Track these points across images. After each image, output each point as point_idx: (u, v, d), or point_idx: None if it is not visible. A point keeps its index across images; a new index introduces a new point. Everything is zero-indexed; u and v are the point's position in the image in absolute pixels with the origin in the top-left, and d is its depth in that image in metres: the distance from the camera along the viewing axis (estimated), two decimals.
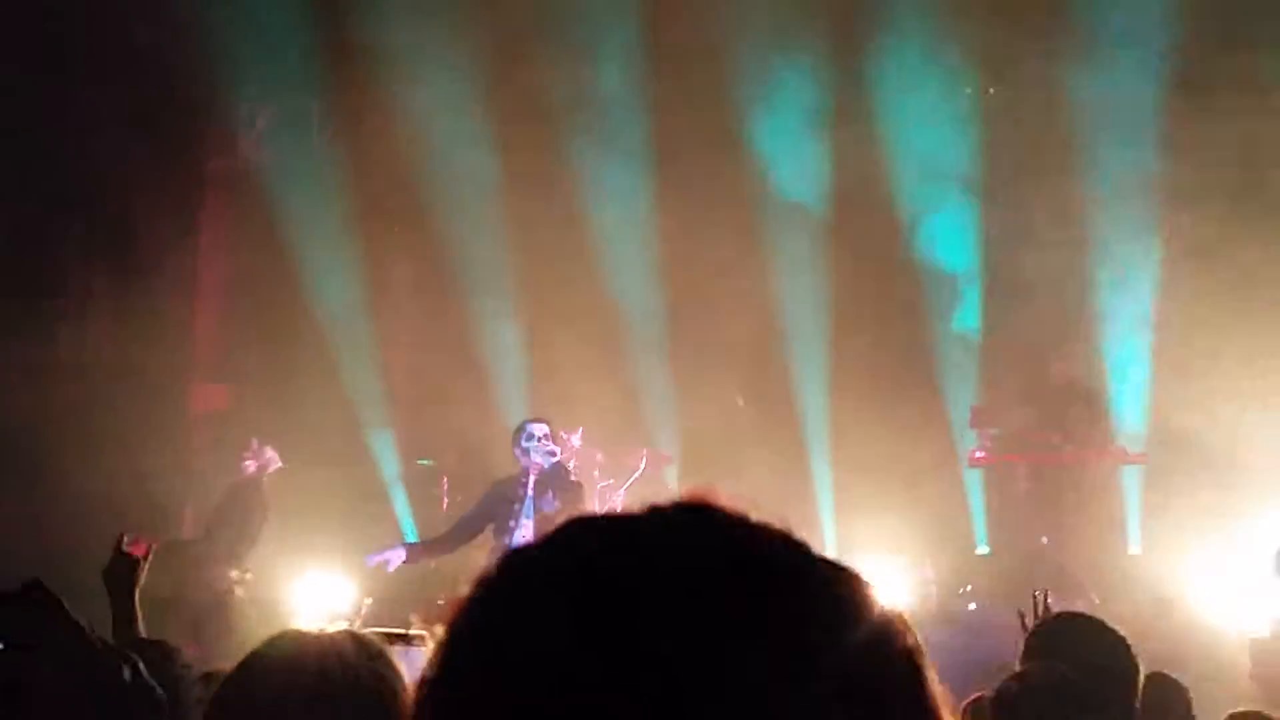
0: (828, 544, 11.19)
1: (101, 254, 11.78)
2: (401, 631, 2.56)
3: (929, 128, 11.59)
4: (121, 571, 4.00)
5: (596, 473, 11.28)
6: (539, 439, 8.12)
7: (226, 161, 12.56)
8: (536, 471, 8.06)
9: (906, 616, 0.91)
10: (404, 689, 2.11)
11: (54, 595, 1.56)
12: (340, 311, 12.07)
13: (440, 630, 0.90)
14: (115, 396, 10.84)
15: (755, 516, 0.92)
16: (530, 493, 8.02)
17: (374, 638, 2.24)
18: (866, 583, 0.91)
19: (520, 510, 8.00)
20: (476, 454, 11.95)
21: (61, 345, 11.50)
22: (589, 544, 0.90)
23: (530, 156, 11.98)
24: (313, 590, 10.33)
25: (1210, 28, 10.86)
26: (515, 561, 0.92)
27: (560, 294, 11.82)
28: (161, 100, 11.00)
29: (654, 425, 11.88)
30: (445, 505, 12.00)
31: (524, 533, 7.91)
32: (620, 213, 11.96)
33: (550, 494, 7.96)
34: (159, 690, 1.59)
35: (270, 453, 9.98)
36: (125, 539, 4.10)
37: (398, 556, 8.62)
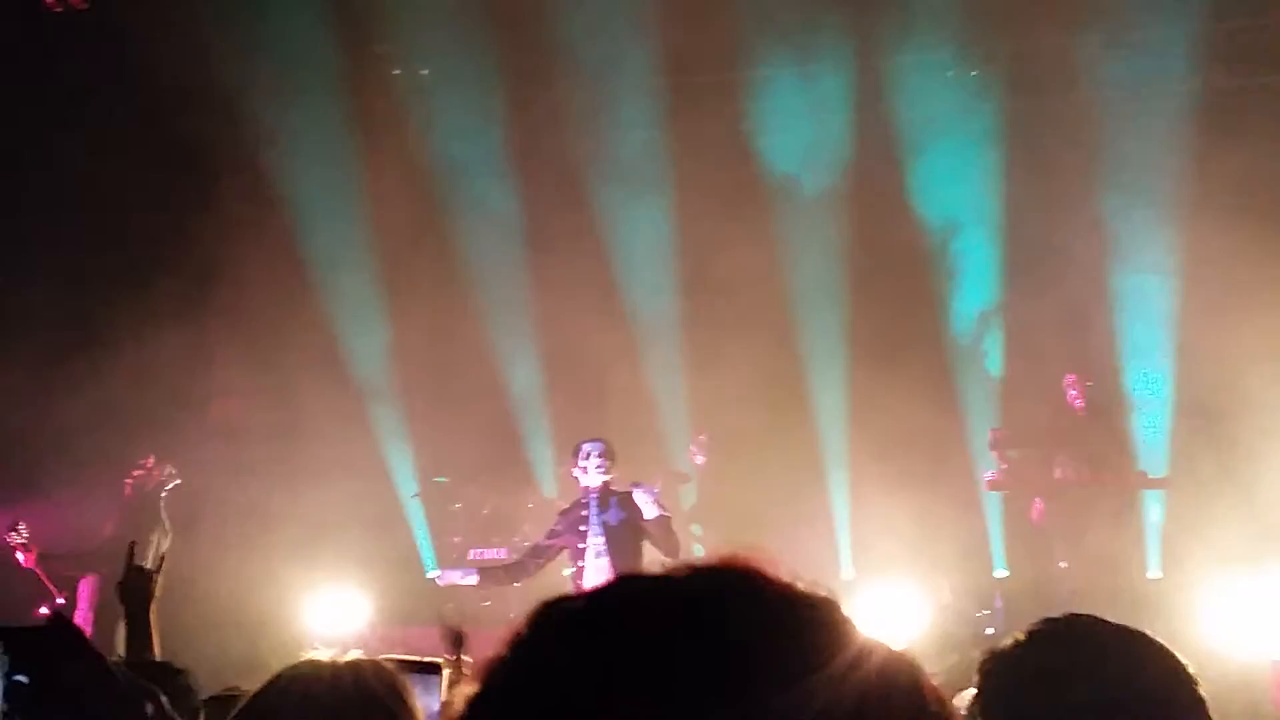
0: (844, 565, 11.15)
1: (115, 273, 11.83)
2: (420, 659, 2.55)
3: (951, 141, 11.58)
4: (137, 585, 3.99)
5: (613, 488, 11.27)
6: (593, 457, 8.24)
7: (246, 174, 12.61)
8: (594, 490, 8.18)
9: (951, 700, 0.91)
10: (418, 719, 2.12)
11: (77, 629, 1.55)
12: (357, 326, 12.11)
13: (474, 679, 0.91)
14: (130, 406, 10.87)
15: (797, 582, 0.92)
16: (595, 509, 8.13)
17: (390, 666, 2.23)
18: (912, 663, 0.91)
19: (587, 531, 8.11)
20: (493, 472, 11.95)
21: (76, 360, 11.53)
22: (626, 599, 0.91)
23: (547, 163, 12.03)
24: (326, 606, 10.34)
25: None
26: (549, 613, 0.92)
27: (578, 309, 11.81)
28: (178, 113, 11.06)
29: (671, 444, 11.88)
30: (461, 523, 12.01)
31: (597, 549, 8.05)
32: (634, 219, 12.00)
33: (613, 506, 8.07)
34: None
35: (169, 469, 9.99)
36: (137, 550, 4.08)
37: (469, 579, 8.69)
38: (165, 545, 9.26)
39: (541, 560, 8.74)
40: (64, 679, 1.53)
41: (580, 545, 8.16)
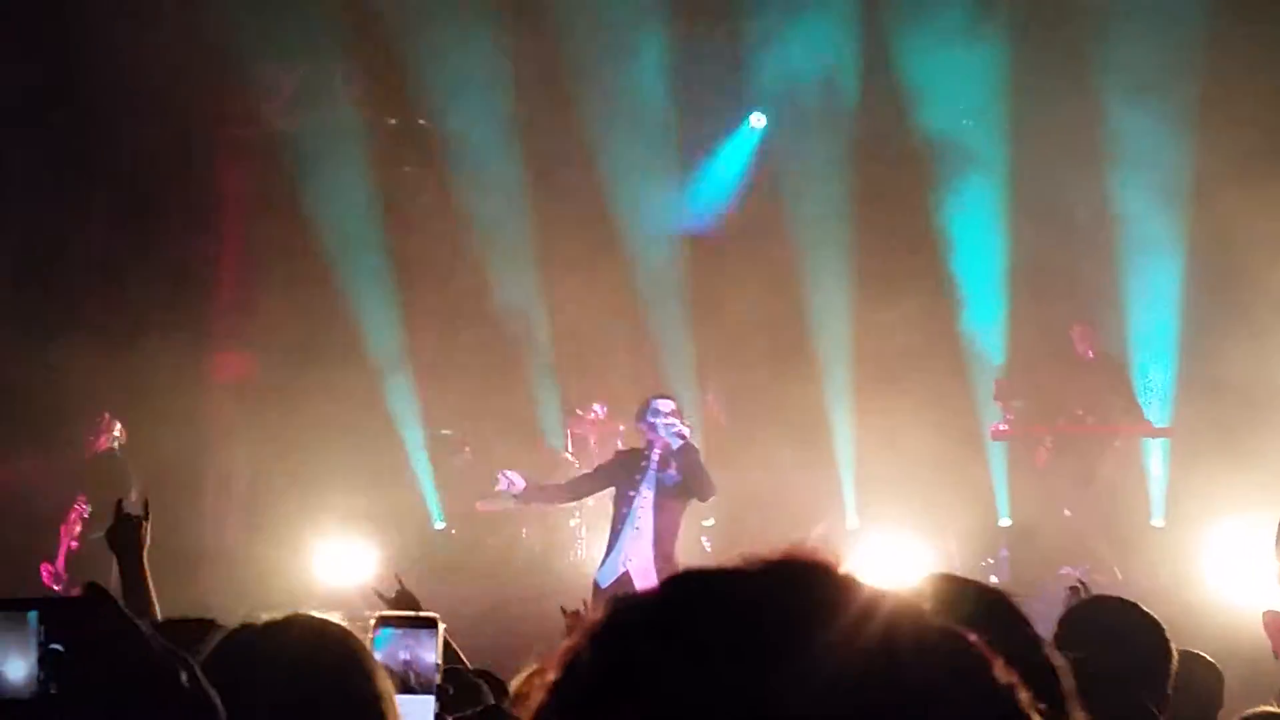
0: (849, 517, 11.20)
1: (124, 221, 11.82)
2: (416, 615, 2.56)
3: (954, 97, 11.50)
4: (125, 534, 4.02)
5: (619, 443, 11.30)
6: (665, 414, 8.14)
7: (250, 128, 12.57)
8: (662, 447, 8.09)
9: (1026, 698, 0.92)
10: (375, 687, 2.08)
11: (111, 598, 1.56)
12: (364, 280, 12.11)
13: (549, 672, 0.92)
14: (138, 363, 10.90)
15: (859, 576, 0.93)
16: (654, 465, 8.08)
17: (348, 632, 2.21)
18: (979, 651, 0.92)
19: (641, 480, 8.08)
20: (498, 424, 11.99)
21: (84, 312, 11.55)
22: (695, 595, 0.92)
23: (551, 123, 11.97)
24: (334, 555, 10.43)
25: None
26: (621, 609, 0.93)
27: (583, 265, 11.80)
28: (183, 66, 10.99)
29: (675, 396, 11.88)
30: (467, 475, 12.06)
31: (644, 502, 8.02)
32: (641, 185, 11.94)
33: (673, 468, 8.00)
34: (215, 695, 1.60)
35: (118, 425, 10.05)
36: (127, 501, 4.12)
37: (517, 485, 8.66)
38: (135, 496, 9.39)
39: (585, 491, 8.78)
40: (99, 648, 1.55)
41: (630, 493, 8.14)
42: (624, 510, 8.14)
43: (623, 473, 8.31)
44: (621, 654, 0.90)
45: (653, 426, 8.14)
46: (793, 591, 0.90)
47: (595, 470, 8.84)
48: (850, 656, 0.86)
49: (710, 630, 0.88)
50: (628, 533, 8.07)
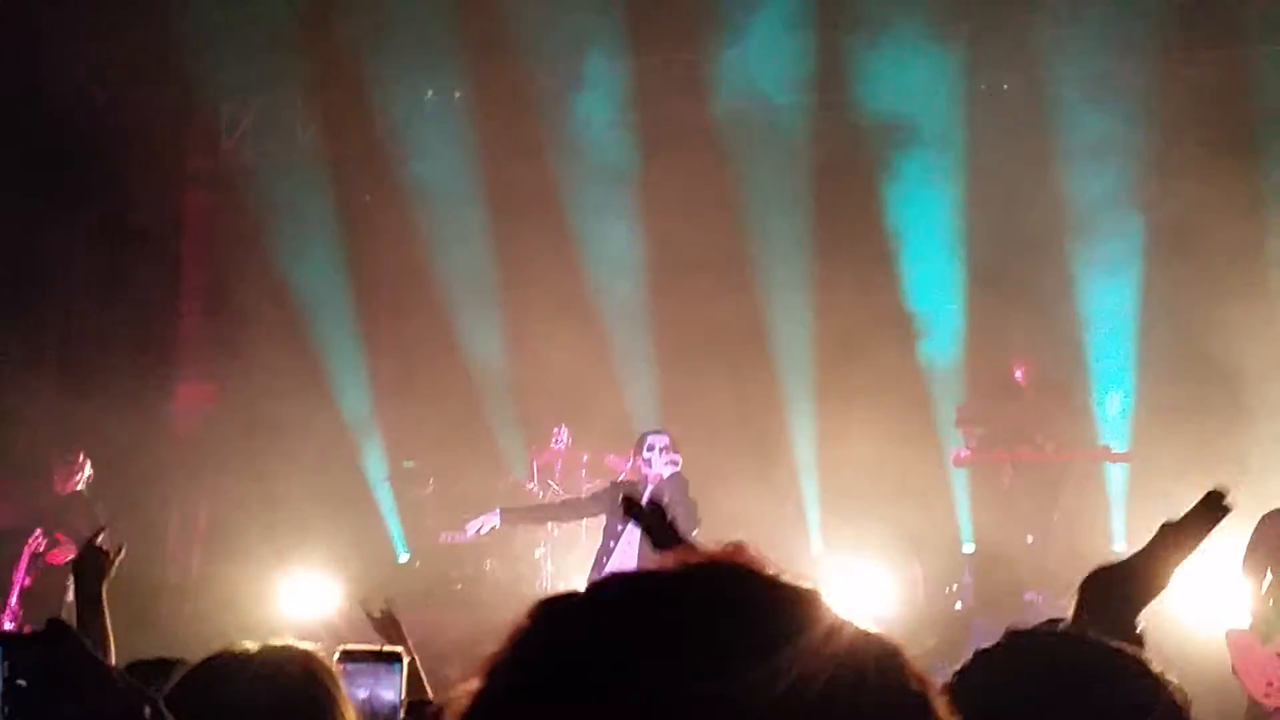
0: (814, 542, 11.22)
1: (85, 251, 11.74)
2: (379, 649, 2.55)
3: (913, 112, 11.58)
4: (91, 564, 4.03)
5: (582, 472, 11.30)
6: (659, 450, 8.29)
7: (208, 160, 12.54)
8: (656, 481, 8.21)
9: (933, 681, 0.94)
10: (340, 711, 2.10)
11: (74, 633, 1.58)
12: (325, 311, 12.07)
13: (477, 674, 0.94)
14: (99, 393, 10.81)
15: (783, 574, 0.96)
16: (645, 501, 8.11)
17: (320, 656, 2.22)
18: (891, 643, 0.94)
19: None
20: (462, 455, 11.96)
21: (44, 342, 11.46)
22: (624, 592, 0.95)
23: (513, 153, 11.99)
24: (298, 589, 10.35)
25: None
26: (551, 608, 0.95)
27: (545, 293, 11.82)
28: (143, 99, 10.97)
29: (637, 424, 11.88)
30: (431, 507, 12.01)
31: (630, 538, 8.06)
32: (603, 211, 11.97)
33: (675, 504, 8.07)
34: None
35: (88, 465, 10.01)
36: (102, 535, 4.13)
37: (490, 521, 8.77)
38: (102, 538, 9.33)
39: (573, 515, 8.80)
40: (63, 683, 1.56)
41: (619, 528, 8.20)
42: (610, 544, 8.20)
43: (615, 509, 8.36)
44: (540, 653, 0.91)
45: (648, 462, 8.30)
46: (712, 591, 0.92)
47: (590, 497, 8.89)
48: (768, 653, 0.87)
49: (628, 629, 0.89)
50: (614, 564, 8.09)
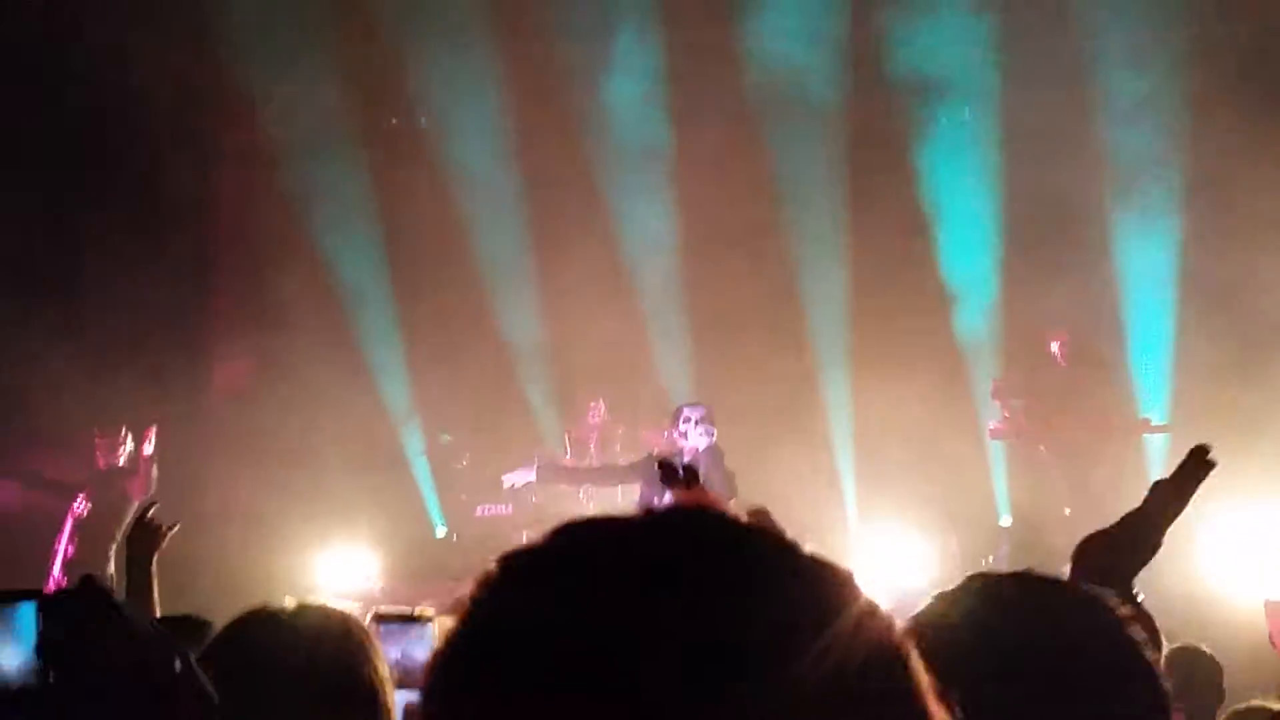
0: (850, 516, 11.21)
1: (118, 232, 11.82)
2: (411, 612, 2.57)
3: (948, 77, 11.48)
4: (142, 539, 4.13)
5: (618, 446, 11.31)
6: (695, 421, 8.33)
7: (243, 135, 12.58)
8: (692, 454, 8.25)
9: (895, 618, 0.91)
10: (378, 674, 2.12)
11: (105, 589, 1.60)
12: (361, 287, 12.12)
13: (449, 623, 0.93)
14: (135, 371, 10.91)
15: (748, 521, 0.92)
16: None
17: (356, 621, 2.24)
18: (852, 583, 0.91)
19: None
20: (498, 429, 12.00)
21: (81, 320, 11.56)
22: (583, 544, 0.92)
23: (547, 129, 11.98)
24: (336, 562, 10.44)
25: None
26: (513, 558, 0.93)
27: (580, 268, 11.82)
28: (176, 75, 11.03)
29: (673, 397, 11.88)
30: (468, 480, 12.06)
31: None
32: (637, 186, 11.95)
33: (711, 474, 8.13)
34: (208, 684, 1.63)
35: (130, 439, 10.10)
36: (153, 508, 4.24)
37: (526, 476, 8.86)
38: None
39: (609, 481, 8.81)
40: (95, 638, 1.59)
41: (655, 499, 8.21)
42: None
43: (653, 480, 8.39)
44: (500, 601, 0.90)
45: (684, 434, 8.33)
46: (674, 541, 0.90)
47: (628, 465, 8.89)
48: (728, 602, 0.85)
49: (587, 577, 0.87)
50: None
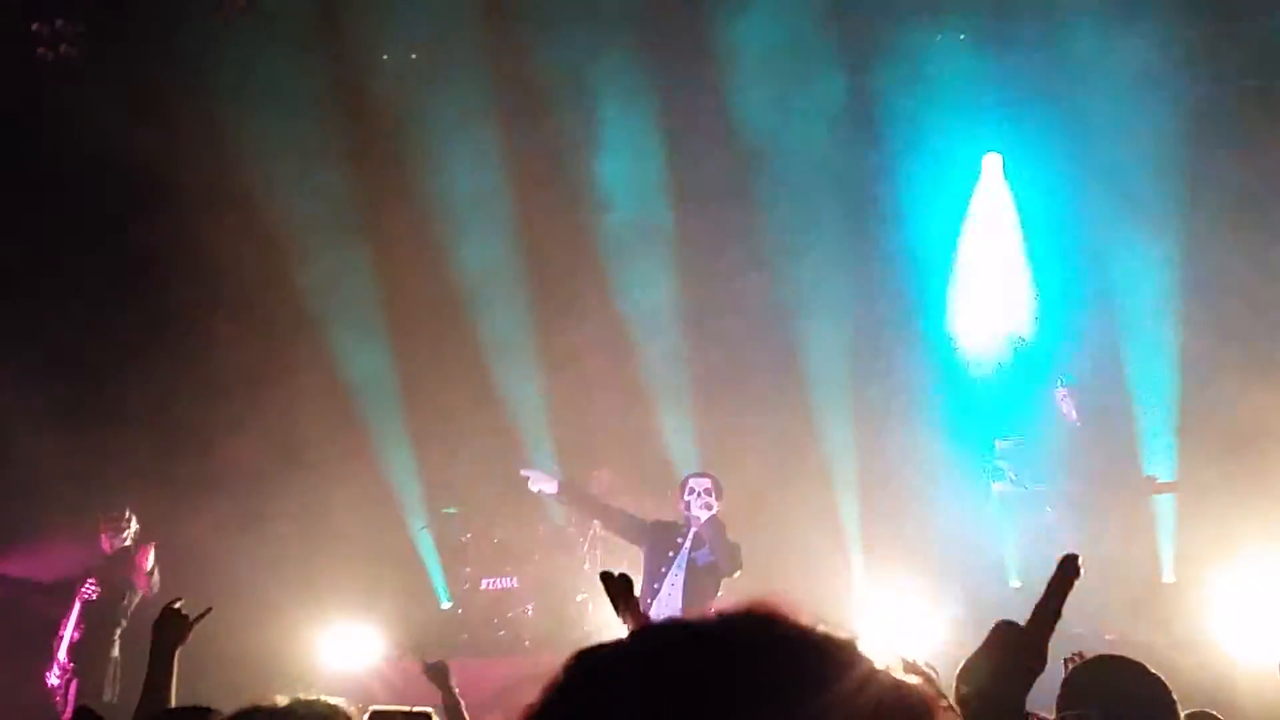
0: (856, 582, 11.13)
1: (108, 284, 11.82)
2: (409, 710, 2.55)
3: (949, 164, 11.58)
4: (170, 629, 4.14)
5: None
6: (700, 493, 8.30)
7: (234, 184, 12.60)
8: (695, 525, 8.22)
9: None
10: None
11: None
12: (363, 357, 12.11)
13: None
14: (131, 451, 10.90)
15: (819, 624, 0.96)
16: (688, 545, 8.17)
17: (348, 712, 2.23)
18: (927, 703, 0.94)
19: (674, 559, 8.15)
20: (502, 501, 11.95)
21: (79, 402, 11.54)
22: (659, 646, 0.95)
23: (548, 206, 12.03)
24: (339, 639, 10.36)
25: None
26: (586, 661, 0.96)
27: (584, 340, 11.84)
28: (169, 127, 11.09)
29: (678, 465, 11.85)
30: (471, 553, 12.00)
31: (674, 581, 8.09)
32: (638, 252, 11.99)
33: (706, 548, 8.11)
34: None
35: (134, 521, 10.06)
36: (180, 601, 4.27)
37: (549, 487, 8.79)
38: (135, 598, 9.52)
39: (618, 526, 8.70)
40: None
41: (662, 569, 8.20)
42: (654, 585, 8.19)
43: (659, 543, 8.35)
44: (575, 707, 0.92)
45: (688, 505, 8.30)
46: (744, 642, 0.92)
47: (639, 521, 8.81)
48: (799, 706, 0.88)
49: (660, 683, 0.89)
50: (657, 609, 8.07)
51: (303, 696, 2.21)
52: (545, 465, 11.75)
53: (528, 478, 9.12)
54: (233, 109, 11.37)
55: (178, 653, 4.13)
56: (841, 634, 0.95)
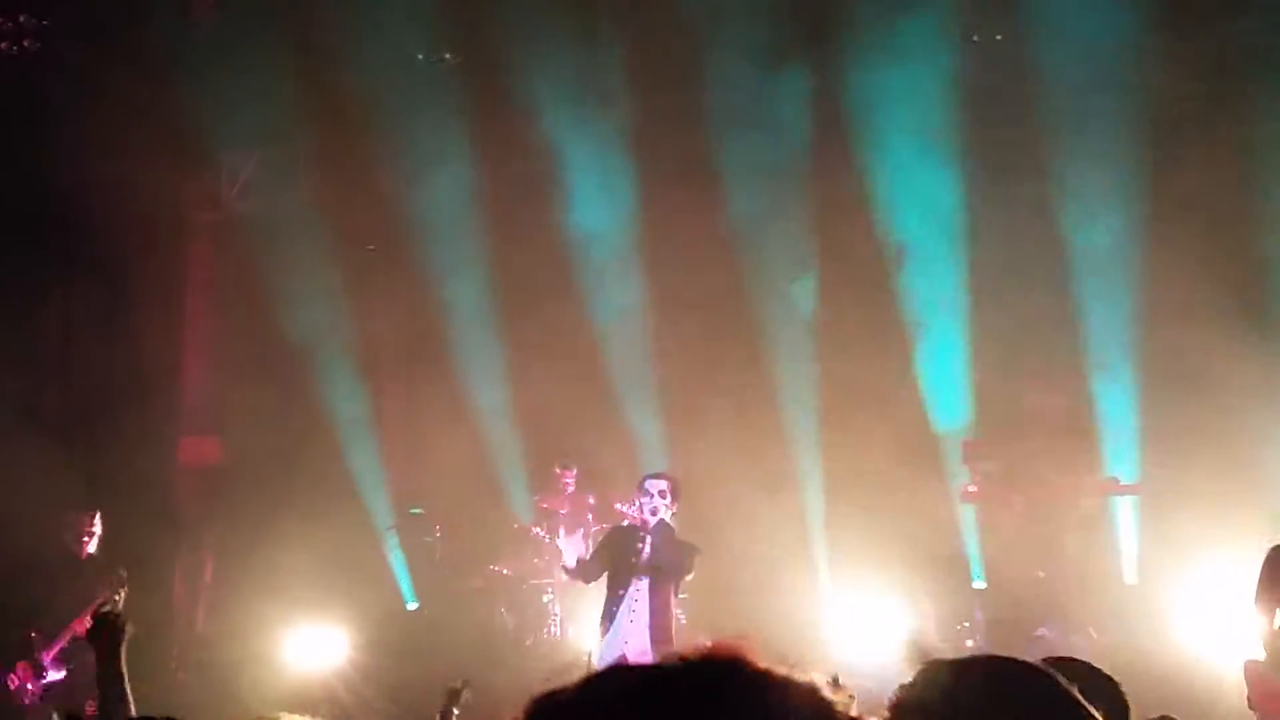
0: (822, 582, 11.17)
1: (87, 305, 11.75)
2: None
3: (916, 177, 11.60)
4: (104, 634, 4.03)
5: (590, 516, 11.27)
6: (654, 495, 8.18)
7: (211, 213, 12.58)
8: (644, 526, 8.12)
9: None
10: None
11: None
12: (329, 360, 12.06)
13: None
14: (101, 449, 10.79)
15: (779, 669, 0.95)
16: (649, 547, 8.07)
17: None
18: None
19: (636, 564, 8.06)
20: (469, 501, 11.93)
21: (47, 397, 11.45)
22: (618, 692, 0.95)
23: (514, 204, 12.01)
24: (304, 641, 10.30)
25: None
26: (545, 706, 0.96)
27: (549, 338, 11.83)
28: (146, 151, 11.02)
29: (644, 465, 11.87)
30: (439, 554, 11.98)
31: (640, 586, 8.00)
32: (608, 254, 11.98)
33: (662, 548, 8.02)
34: None
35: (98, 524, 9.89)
36: (102, 604, 4.15)
37: (571, 560, 8.56)
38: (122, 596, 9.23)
39: (592, 575, 8.61)
40: None
41: (627, 577, 8.12)
42: (620, 592, 8.11)
43: (620, 555, 8.26)
44: None
45: (640, 507, 8.19)
46: (704, 692, 0.92)
47: (593, 556, 8.74)
48: None
49: None
50: (624, 615, 8.03)
51: (265, 716, 2.21)
52: (513, 466, 11.79)
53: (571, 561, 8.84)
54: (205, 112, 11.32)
55: (123, 656, 4.02)
56: (801, 678, 0.95)
